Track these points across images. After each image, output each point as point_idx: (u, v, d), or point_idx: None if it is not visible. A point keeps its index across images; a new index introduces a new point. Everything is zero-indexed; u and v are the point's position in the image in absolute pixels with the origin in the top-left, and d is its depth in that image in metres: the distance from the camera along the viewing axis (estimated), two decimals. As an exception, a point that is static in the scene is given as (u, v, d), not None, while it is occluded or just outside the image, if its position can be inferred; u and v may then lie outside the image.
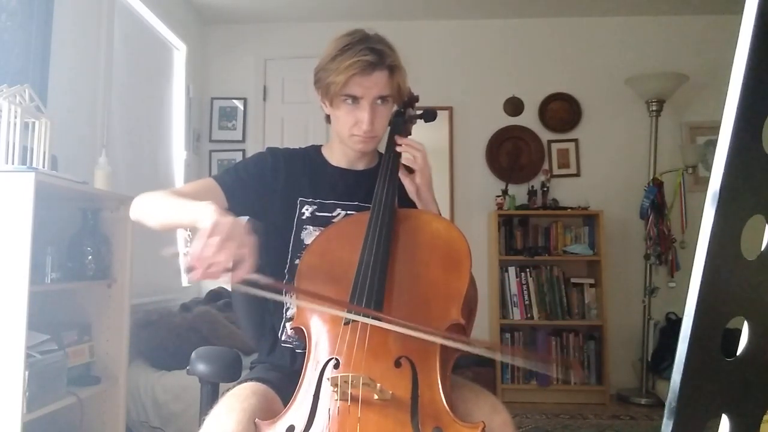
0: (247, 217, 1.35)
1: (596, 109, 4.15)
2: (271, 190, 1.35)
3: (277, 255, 1.34)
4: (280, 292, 1.17)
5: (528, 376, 3.79)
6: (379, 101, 1.28)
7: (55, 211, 2.23)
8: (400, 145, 1.34)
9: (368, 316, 1.05)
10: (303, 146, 1.47)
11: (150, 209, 1.20)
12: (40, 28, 2.33)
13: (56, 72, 2.43)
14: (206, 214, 0.98)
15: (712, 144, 4.00)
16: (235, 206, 1.31)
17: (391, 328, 1.02)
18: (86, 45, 2.78)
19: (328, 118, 1.40)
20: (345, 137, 1.32)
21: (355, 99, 1.27)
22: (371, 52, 1.24)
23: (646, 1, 3.95)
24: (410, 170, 1.35)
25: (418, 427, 0.93)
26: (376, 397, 0.95)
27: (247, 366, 1.41)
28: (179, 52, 3.89)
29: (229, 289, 0.96)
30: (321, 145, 1.46)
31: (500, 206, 3.93)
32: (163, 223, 1.17)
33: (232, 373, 1.29)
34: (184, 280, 3.80)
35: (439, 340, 1.02)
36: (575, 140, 4.15)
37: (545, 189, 3.97)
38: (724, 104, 0.39)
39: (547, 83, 4.17)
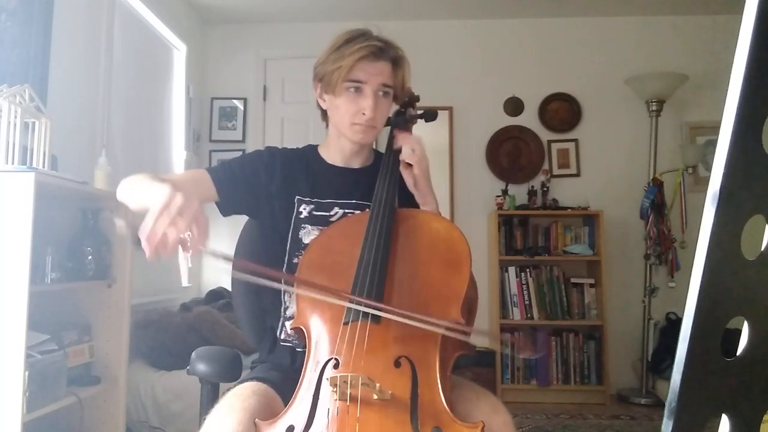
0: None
1: (596, 109, 4.15)
2: (265, 189, 1.34)
3: (274, 253, 1.34)
4: (279, 281, 1.17)
5: (528, 376, 3.79)
6: (381, 92, 1.29)
7: (55, 211, 2.23)
8: (398, 140, 1.35)
9: (369, 307, 1.05)
10: (300, 147, 1.47)
11: (127, 192, 1.20)
12: (40, 28, 2.33)
13: (56, 72, 2.43)
14: (163, 191, 0.96)
15: (712, 144, 4.00)
16: (224, 201, 1.31)
17: (391, 318, 1.02)
18: (86, 45, 2.78)
19: (323, 115, 1.40)
20: (345, 127, 1.32)
21: (359, 88, 1.28)
22: (377, 41, 1.28)
23: (646, 1, 3.95)
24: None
25: (417, 427, 0.93)
26: (375, 397, 0.95)
27: (247, 366, 1.41)
28: (179, 52, 3.89)
29: (189, 257, 0.96)
30: (317, 145, 1.46)
31: (500, 206, 3.93)
32: (137, 206, 1.15)
33: (232, 373, 1.29)
34: (185, 280, 3.80)
35: (438, 330, 1.02)
36: (575, 140, 4.15)
37: (545, 189, 3.97)
38: (724, 104, 0.39)
39: (547, 83, 4.17)
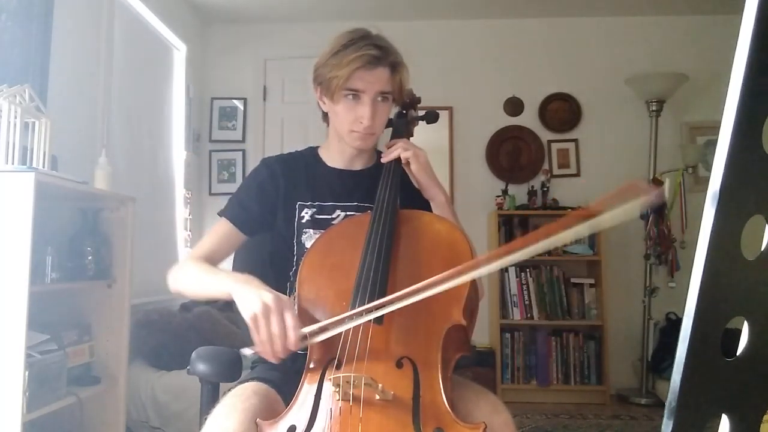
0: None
1: (596, 109, 4.15)
2: (275, 202, 1.36)
3: (282, 261, 1.35)
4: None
5: (528, 376, 3.79)
6: (380, 98, 1.28)
7: (55, 211, 2.23)
8: (385, 156, 1.35)
9: (371, 312, 1.05)
10: (300, 148, 1.47)
11: (188, 286, 1.29)
12: (40, 28, 2.33)
13: (56, 72, 2.43)
14: (237, 297, 1.08)
15: (712, 144, 4.00)
16: (251, 235, 1.36)
17: (399, 305, 1.00)
18: (86, 45, 2.78)
19: (325, 116, 1.40)
20: (344, 133, 1.32)
21: (357, 95, 1.26)
22: (375, 47, 1.25)
23: (646, 1, 3.95)
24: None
25: (419, 428, 0.93)
26: (377, 397, 0.95)
27: (247, 366, 1.41)
28: (179, 52, 3.89)
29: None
30: (318, 147, 1.46)
31: (500, 206, 3.93)
32: (204, 297, 1.28)
33: (232, 373, 1.29)
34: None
35: (444, 287, 0.99)
36: (575, 140, 4.15)
37: (545, 189, 3.97)
38: (724, 104, 0.39)
39: (547, 83, 4.17)
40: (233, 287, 1.09)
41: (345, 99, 1.27)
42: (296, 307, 1.18)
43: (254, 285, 1.07)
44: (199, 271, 1.25)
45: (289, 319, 1.01)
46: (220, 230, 1.35)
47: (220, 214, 1.36)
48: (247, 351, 1.05)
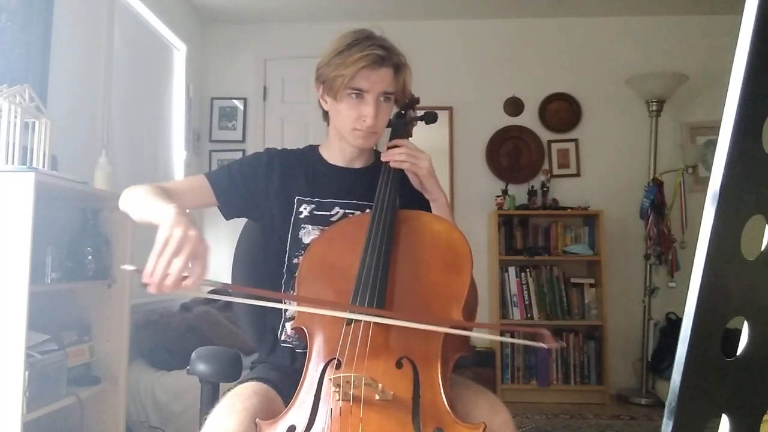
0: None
1: (596, 109, 4.15)
2: (265, 190, 1.35)
3: (274, 254, 1.34)
4: (278, 300, 1.18)
5: (528, 376, 3.79)
6: (382, 98, 1.29)
7: (55, 211, 2.23)
8: (385, 156, 1.33)
9: (370, 315, 1.05)
10: (301, 147, 1.47)
11: (131, 204, 1.21)
12: (40, 28, 2.33)
13: (56, 72, 2.43)
14: (164, 220, 0.98)
15: (712, 144, 4.00)
16: (224, 205, 1.33)
17: (394, 323, 1.03)
18: (86, 45, 2.78)
19: (325, 115, 1.40)
20: (346, 132, 1.32)
21: (360, 94, 1.27)
22: (380, 47, 1.26)
23: (646, 1, 3.95)
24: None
25: (419, 428, 0.93)
26: (377, 397, 0.95)
27: (247, 366, 1.41)
28: (179, 52, 3.89)
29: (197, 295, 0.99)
30: (318, 145, 1.46)
31: (500, 206, 3.93)
32: (139, 219, 1.17)
33: (232, 373, 1.29)
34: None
35: (441, 329, 1.03)
36: (575, 140, 4.15)
37: (545, 189, 3.97)
38: (724, 104, 0.39)
39: (547, 83, 4.17)
40: (168, 210, 1.00)
41: (348, 98, 1.28)
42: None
43: (190, 219, 1.00)
44: (149, 194, 1.15)
45: (199, 267, 0.95)
46: (196, 181, 1.33)
47: (207, 174, 1.34)
48: (128, 267, 0.96)
